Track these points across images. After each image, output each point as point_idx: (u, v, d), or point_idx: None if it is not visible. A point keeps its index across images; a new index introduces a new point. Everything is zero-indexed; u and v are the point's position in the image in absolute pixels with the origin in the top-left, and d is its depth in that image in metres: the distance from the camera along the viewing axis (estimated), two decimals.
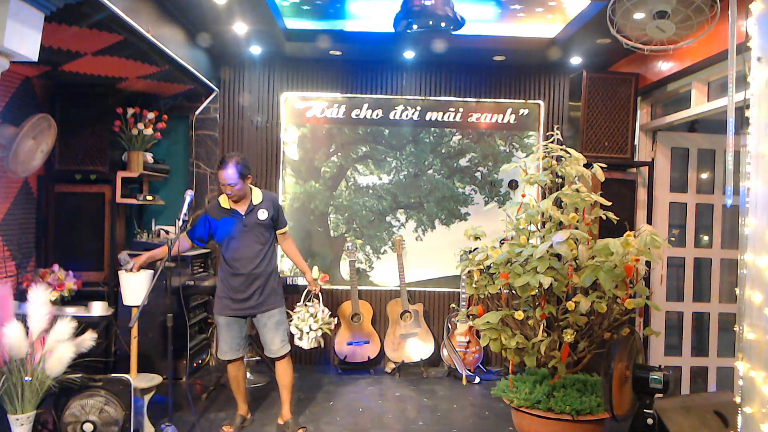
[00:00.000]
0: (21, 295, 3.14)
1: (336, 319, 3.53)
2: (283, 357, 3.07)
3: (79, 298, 3.58)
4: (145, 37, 3.02)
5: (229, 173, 2.89)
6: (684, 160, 4.20)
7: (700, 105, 3.61)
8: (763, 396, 2.19)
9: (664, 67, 3.75)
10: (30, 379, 2.61)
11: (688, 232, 4.16)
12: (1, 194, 3.43)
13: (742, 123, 2.29)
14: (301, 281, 4.04)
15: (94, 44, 3.11)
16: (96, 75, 3.65)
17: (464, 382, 4.16)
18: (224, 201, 3.02)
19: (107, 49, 3.16)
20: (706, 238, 4.20)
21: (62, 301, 3.48)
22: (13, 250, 3.55)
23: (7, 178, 3.36)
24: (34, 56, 2.36)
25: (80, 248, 3.88)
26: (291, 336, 3.22)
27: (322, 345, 3.42)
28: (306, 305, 3.34)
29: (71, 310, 3.40)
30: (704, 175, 4.24)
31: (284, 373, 3.08)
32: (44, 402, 2.69)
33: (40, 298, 2.75)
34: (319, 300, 3.35)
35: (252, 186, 3.08)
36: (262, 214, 3.03)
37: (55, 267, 3.57)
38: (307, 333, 3.28)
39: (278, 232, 3.15)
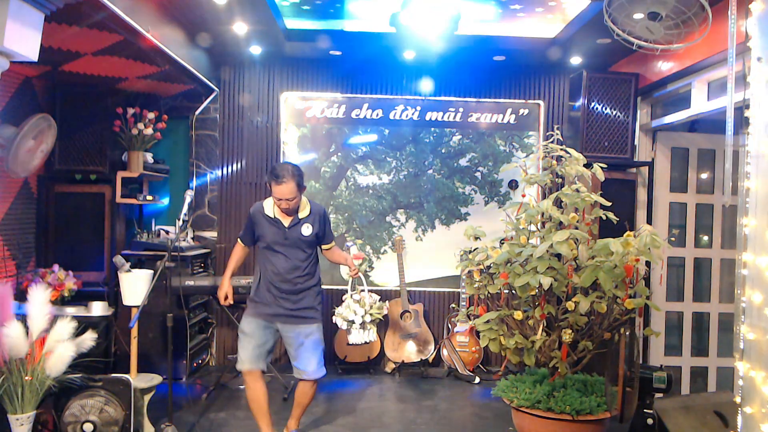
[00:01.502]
0: (21, 295, 3.14)
1: (386, 303, 3.34)
2: (315, 380, 2.89)
3: (79, 298, 3.59)
4: (146, 37, 3.04)
5: (287, 188, 2.66)
6: (684, 160, 4.22)
7: (700, 105, 3.62)
8: (763, 396, 2.20)
9: (664, 67, 3.76)
10: (30, 378, 2.61)
11: (688, 232, 4.18)
12: (1, 194, 3.44)
13: (742, 123, 2.31)
14: None
15: (94, 44, 3.12)
16: (96, 75, 3.66)
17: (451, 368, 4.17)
18: (269, 207, 2.81)
19: (107, 49, 3.17)
20: (705, 238, 4.22)
21: (62, 301, 3.49)
22: (13, 250, 3.56)
23: (7, 178, 3.37)
24: (34, 56, 2.37)
25: (80, 248, 3.89)
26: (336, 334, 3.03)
27: (375, 338, 3.16)
28: (351, 294, 3.12)
29: (71, 310, 3.40)
30: (704, 175, 4.26)
31: (306, 393, 2.93)
32: (44, 402, 2.70)
33: (40, 298, 2.75)
34: (363, 284, 3.11)
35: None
36: (307, 230, 2.80)
37: (55, 267, 3.58)
38: (357, 324, 3.05)
39: (323, 247, 2.94)
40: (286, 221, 2.79)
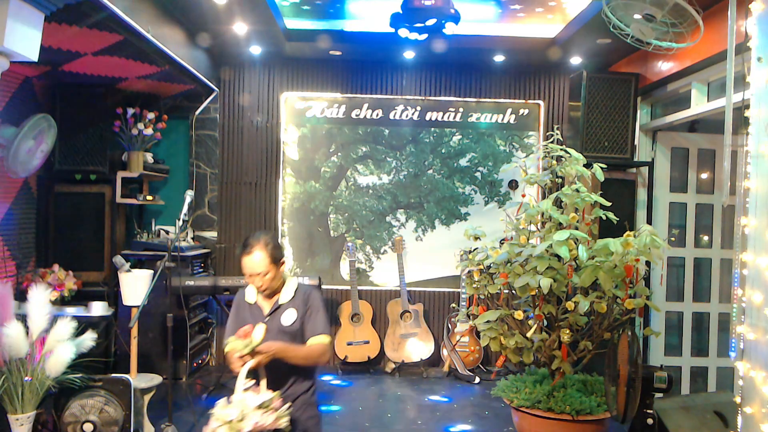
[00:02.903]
0: (21, 295, 3.14)
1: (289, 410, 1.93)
2: None
3: (79, 298, 3.59)
4: (145, 37, 3.04)
5: (256, 260, 2.05)
6: (684, 160, 4.23)
7: (699, 105, 3.63)
8: (763, 396, 2.19)
9: (664, 67, 3.77)
10: (30, 379, 2.61)
11: (688, 232, 4.19)
12: (2, 194, 3.44)
13: (742, 123, 2.29)
14: (304, 282, 4.02)
15: (94, 44, 3.12)
16: (96, 75, 3.67)
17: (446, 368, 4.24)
18: (250, 292, 2.20)
19: (107, 49, 3.18)
20: (706, 238, 4.23)
21: (62, 301, 3.49)
22: (13, 250, 3.56)
23: (8, 178, 3.38)
24: (34, 56, 2.37)
25: (80, 248, 3.89)
26: None
27: None
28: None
29: (71, 310, 3.40)
30: (704, 175, 4.27)
31: None
32: (44, 402, 2.70)
33: (40, 298, 2.74)
34: (260, 377, 1.96)
35: (287, 273, 2.24)
36: (288, 318, 2.10)
37: (55, 267, 3.59)
38: None
39: (309, 341, 2.09)
40: (267, 307, 2.13)
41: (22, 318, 2.74)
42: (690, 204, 4.19)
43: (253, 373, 1.94)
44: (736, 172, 2.34)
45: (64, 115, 3.77)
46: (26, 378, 2.61)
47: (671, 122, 3.97)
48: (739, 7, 2.46)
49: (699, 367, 4.15)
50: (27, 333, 2.67)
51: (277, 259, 2.11)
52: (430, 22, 3.29)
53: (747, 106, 2.24)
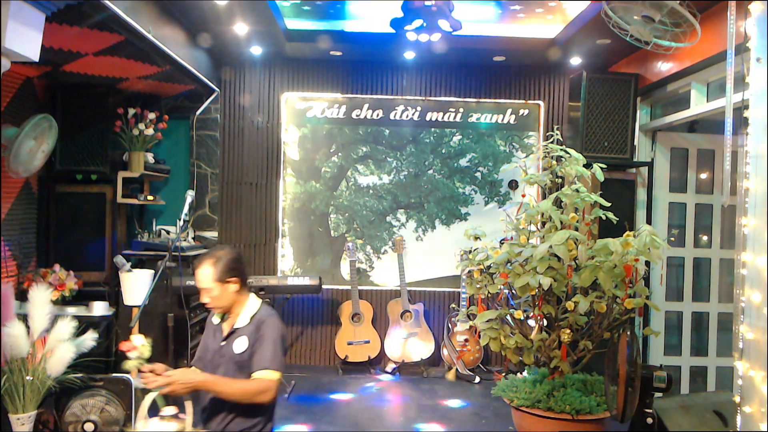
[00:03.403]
0: (22, 295, 3.14)
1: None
2: None
3: (80, 297, 3.60)
4: (146, 38, 3.05)
5: (201, 274, 1.95)
6: (683, 161, 4.26)
7: (699, 105, 3.65)
8: (762, 395, 2.22)
9: (664, 67, 3.79)
10: (31, 378, 2.62)
11: (688, 232, 4.22)
12: (3, 194, 3.45)
13: (741, 123, 2.33)
14: (305, 282, 4.05)
15: (94, 44, 3.13)
16: (97, 75, 3.67)
17: (452, 377, 4.27)
18: (215, 313, 2.08)
19: (108, 49, 3.19)
20: (705, 238, 4.25)
21: (63, 301, 3.50)
22: (14, 250, 3.57)
23: (8, 178, 3.38)
24: (35, 56, 2.37)
25: (81, 248, 3.90)
26: None
27: None
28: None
29: (72, 310, 3.43)
30: (704, 175, 4.30)
31: None
32: (45, 401, 2.71)
33: (41, 298, 2.75)
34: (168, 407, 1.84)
35: (252, 295, 2.05)
36: (239, 345, 1.93)
37: (56, 267, 3.59)
38: None
39: (252, 375, 1.88)
40: (226, 331, 2.00)
41: (23, 318, 2.75)
42: (689, 204, 4.21)
43: (174, 400, 1.77)
44: (736, 172, 2.35)
45: (65, 115, 3.78)
46: (27, 377, 2.62)
47: (671, 122, 3.99)
48: (738, 8, 2.47)
49: (698, 367, 4.17)
50: (28, 332, 2.68)
51: (222, 277, 1.94)
52: (430, 21, 3.31)
53: (746, 107, 2.29)
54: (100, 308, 3.55)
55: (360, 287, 4.50)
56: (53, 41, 2.94)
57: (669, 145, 4.23)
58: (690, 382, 4.18)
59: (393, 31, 3.53)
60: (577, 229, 3.08)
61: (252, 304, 2.02)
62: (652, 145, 4.25)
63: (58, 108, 3.78)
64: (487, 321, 3.18)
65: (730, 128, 2.45)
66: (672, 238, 4.12)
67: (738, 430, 2.36)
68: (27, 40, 2.29)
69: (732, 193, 2.44)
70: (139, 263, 3.84)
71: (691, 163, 4.22)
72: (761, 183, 2.20)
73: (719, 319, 4.16)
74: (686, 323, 4.19)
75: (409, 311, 4.44)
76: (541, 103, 4.71)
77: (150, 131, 4.05)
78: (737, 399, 2.34)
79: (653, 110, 4.32)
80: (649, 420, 2.85)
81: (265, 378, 1.86)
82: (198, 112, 4.61)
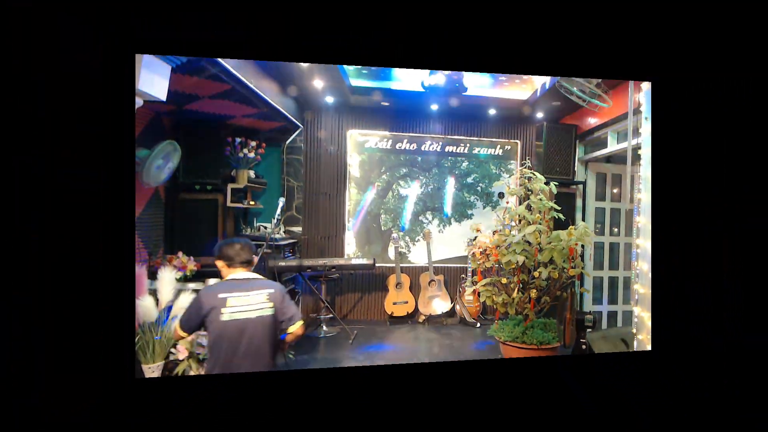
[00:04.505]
0: (152, 275, 3.09)
1: None
2: None
3: (199, 276, 3.54)
4: (249, 87, 3.16)
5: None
6: (603, 181, 4.66)
7: (612, 146, 4.02)
8: (648, 328, 2.41)
9: (592, 120, 4.22)
10: (159, 337, 2.70)
11: (606, 226, 4.62)
12: (137, 200, 3.42)
13: (636, 158, 2.59)
14: (363, 261, 4.07)
15: (210, 90, 3.17)
16: (211, 113, 3.75)
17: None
18: None
19: (220, 94, 3.26)
20: (616, 230, 4.66)
21: (185, 279, 3.46)
22: (145, 242, 3.60)
23: (141, 188, 3.42)
24: (163, 97, 2.41)
25: (199, 240, 3.89)
26: None
27: None
28: None
29: (192, 285, 3.36)
30: (615, 190, 4.70)
31: None
32: (168, 355, 2.80)
33: (167, 277, 2.78)
34: None
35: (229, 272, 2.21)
36: None
37: (180, 253, 3.59)
38: None
39: None
40: None
41: (153, 292, 2.80)
42: (607, 209, 4.64)
43: None
44: (633, 188, 2.64)
45: (186, 143, 3.73)
46: (156, 336, 2.66)
47: (596, 156, 4.41)
48: (636, 85, 2.80)
49: (612, 312, 4.55)
50: (157, 303, 2.74)
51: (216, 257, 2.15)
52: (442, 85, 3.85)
53: (639, 147, 2.54)
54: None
55: (401, 265, 4.77)
56: (178, 86, 2.94)
57: (595, 171, 4.65)
58: (607, 321, 4.52)
59: (423, 90, 3.99)
60: (540, 224, 3.29)
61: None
62: (585, 171, 4.65)
63: (181, 137, 3.73)
64: (484, 285, 3.39)
65: (630, 161, 2.75)
66: (596, 231, 4.50)
67: (635, 350, 2.59)
68: (156, 85, 2.32)
69: (631, 202, 2.74)
70: None
71: (608, 182, 4.67)
72: (647, 196, 2.42)
73: (623, 281, 4.52)
74: (605, 284, 4.58)
75: (434, 280, 4.70)
76: (518, 141, 5.01)
77: (252, 155, 4.17)
78: (634, 331, 2.55)
79: (586, 148, 4.67)
80: (584, 347, 3.14)
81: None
82: (287, 142, 4.72)
